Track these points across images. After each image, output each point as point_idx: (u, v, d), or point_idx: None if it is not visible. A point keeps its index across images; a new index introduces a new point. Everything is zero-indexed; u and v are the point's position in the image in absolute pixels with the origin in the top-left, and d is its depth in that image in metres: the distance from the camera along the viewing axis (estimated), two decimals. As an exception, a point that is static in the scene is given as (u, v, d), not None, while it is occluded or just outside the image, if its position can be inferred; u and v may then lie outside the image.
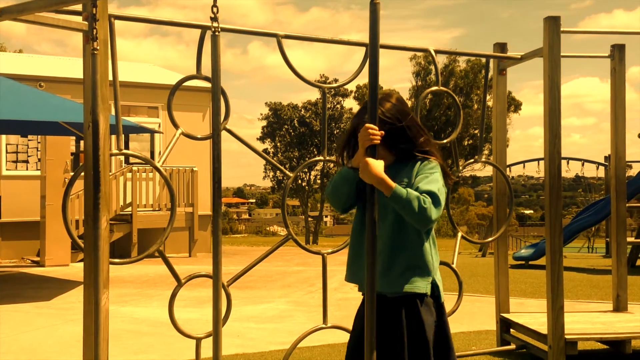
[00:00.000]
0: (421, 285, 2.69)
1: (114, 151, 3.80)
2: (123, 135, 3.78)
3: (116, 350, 5.04)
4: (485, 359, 5.40)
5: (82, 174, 3.47)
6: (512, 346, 5.55)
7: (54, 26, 3.10)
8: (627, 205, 6.14)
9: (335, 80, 37.34)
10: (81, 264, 3.43)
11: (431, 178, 2.66)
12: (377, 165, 2.52)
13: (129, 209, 13.86)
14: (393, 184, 2.55)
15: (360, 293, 2.83)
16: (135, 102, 15.12)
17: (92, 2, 2.72)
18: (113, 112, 3.78)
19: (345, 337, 4.56)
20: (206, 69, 3.60)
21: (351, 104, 40.03)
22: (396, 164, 2.79)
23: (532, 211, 69.52)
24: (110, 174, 12.97)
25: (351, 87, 37.31)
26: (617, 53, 5.77)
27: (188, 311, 7.26)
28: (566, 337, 4.76)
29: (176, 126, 4.01)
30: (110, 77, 3.49)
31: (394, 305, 2.70)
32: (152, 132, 13.24)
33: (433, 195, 2.59)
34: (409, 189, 2.58)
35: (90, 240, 3.12)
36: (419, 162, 2.76)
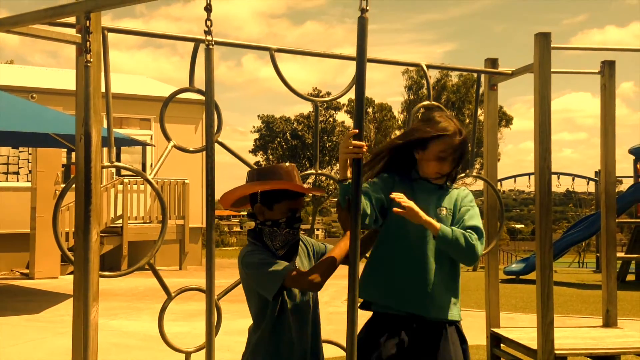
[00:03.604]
0: (456, 313, 2.76)
1: (106, 163, 3.80)
2: (115, 148, 3.78)
3: (105, 364, 5.01)
4: (476, 373, 5.39)
5: (73, 186, 3.46)
6: (503, 361, 5.54)
7: (48, 38, 3.10)
8: (617, 220, 6.17)
9: (328, 94, 37.45)
10: (71, 277, 3.41)
11: (473, 212, 2.73)
12: (420, 210, 2.58)
13: (120, 221, 13.80)
14: (438, 225, 2.60)
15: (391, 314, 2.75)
16: (127, 114, 15.11)
17: (86, 15, 2.72)
18: (105, 124, 3.78)
19: (336, 351, 4.55)
20: (199, 82, 3.61)
21: (343, 117, 40.18)
22: (434, 187, 2.81)
23: (523, 225, 69.66)
24: (101, 186, 12.92)
25: (343, 100, 37.44)
26: (607, 69, 5.82)
27: (178, 325, 7.23)
28: (556, 352, 4.76)
29: (168, 139, 4.01)
30: (103, 89, 3.49)
31: (433, 329, 2.72)
32: (143, 144, 13.21)
33: (478, 231, 2.67)
34: (453, 228, 2.63)
35: (81, 253, 3.11)
36: (457, 191, 2.82)
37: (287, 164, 2.75)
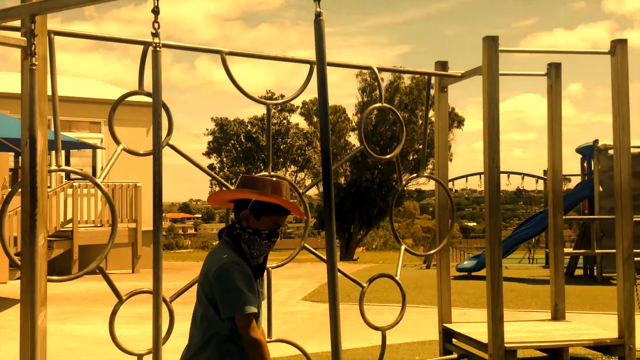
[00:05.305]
0: None
1: (53, 167, 3.74)
2: (63, 151, 3.74)
3: (56, 371, 4.92)
4: (429, 370, 5.48)
5: (20, 190, 3.40)
6: (454, 355, 5.65)
7: (-9, 41, 3.05)
8: (564, 217, 6.35)
9: (282, 96, 37.39)
10: (19, 282, 3.36)
11: None
12: None
13: (70, 225, 13.55)
14: None
15: None
16: (76, 117, 14.83)
17: (31, 18, 2.68)
18: (52, 128, 3.73)
19: (291, 350, 4.55)
20: (149, 84, 3.59)
21: (297, 119, 40.17)
22: None
23: (475, 223, 70.78)
24: (50, 190, 12.66)
25: (297, 102, 37.44)
26: (554, 71, 5.98)
27: (130, 328, 7.15)
28: (506, 345, 4.88)
29: (117, 142, 3.98)
30: (49, 93, 3.44)
31: None
32: (93, 147, 12.97)
33: None
34: None
35: (27, 258, 3.06)
36: None
37: (279, 179, 2.79)
